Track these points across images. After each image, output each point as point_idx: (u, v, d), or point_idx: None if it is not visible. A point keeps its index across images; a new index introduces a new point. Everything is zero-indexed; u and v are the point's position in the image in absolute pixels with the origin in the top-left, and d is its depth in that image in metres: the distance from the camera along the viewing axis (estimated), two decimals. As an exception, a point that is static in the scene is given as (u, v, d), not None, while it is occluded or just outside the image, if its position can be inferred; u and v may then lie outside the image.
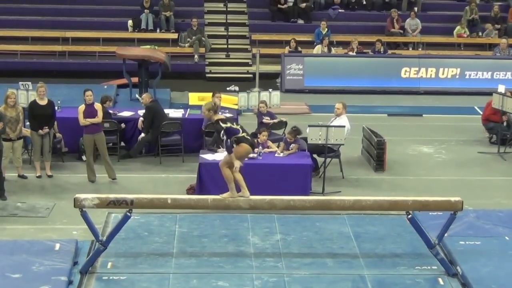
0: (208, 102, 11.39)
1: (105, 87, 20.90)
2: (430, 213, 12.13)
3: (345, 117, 15.80)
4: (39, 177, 15.23)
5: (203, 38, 25.72)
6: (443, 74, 24.38)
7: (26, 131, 15.54)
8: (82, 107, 15.20)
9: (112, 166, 15.26)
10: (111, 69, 23.44)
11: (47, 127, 15.14)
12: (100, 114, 15.22)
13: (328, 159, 15.25)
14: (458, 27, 26.87)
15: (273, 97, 19.50)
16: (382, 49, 25.12)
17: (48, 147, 15.27)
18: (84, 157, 15.81)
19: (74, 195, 10.82)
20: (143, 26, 26.41)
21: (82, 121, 15.07)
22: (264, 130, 15.24)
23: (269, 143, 15.12)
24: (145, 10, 26.42)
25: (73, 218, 12.37)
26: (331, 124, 15.47)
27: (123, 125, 16.56)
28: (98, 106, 15.39)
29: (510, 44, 25.43)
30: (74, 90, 20.26)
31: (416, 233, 11.26)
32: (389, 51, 25.78)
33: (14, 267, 10.65)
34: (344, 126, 15.22)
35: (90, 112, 15.14)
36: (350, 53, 24.86)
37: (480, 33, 27.11)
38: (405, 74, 24.35)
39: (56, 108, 15.96)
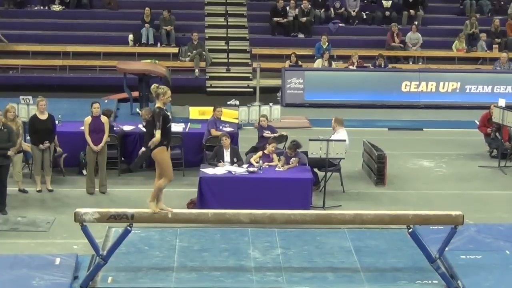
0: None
1: (106, 101, 20.93)
2: (431, 227, 12.12)
3: (342, 132, 15.80)
4: (39, 191, 15.23)
5: (203, 52, 25.77)
6: (443, 88, 24.41)
7: (27, 146, 15.55)
8: (88, 119, 15.25)
9: (105, 181, 15.29)
10: (112, 83, 23.47)
11: (47, 142, 15.15)
12: (106, 127, 15.28)
13: (329, 173, 15.26)
14: (456, 42, 26.91)
15: (274, 111, 19.52)
16: (383, 64, 25.17)
17: (49, 161, 15.27)
18: (84, 171, 15.83)
19: (74, 210, 10.82)
20: (143, 40, 26.47)
21: (87, 136, 15.12)
22: (273, 141, 15.27)
23: (274, 155, 15.14)
24: (146, 25, 26.49)
25: (73, 233, 12.36)
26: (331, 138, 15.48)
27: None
28: (104, 119, 15.44)
29: (510, 58, 25.46)
30: (75, 104, 20.34)
31: (417, 247, 11.25)
32: (390, 65, 25.82)
33: (14, 282, 10.63)
34: (344, 140, 15.25)
35: (96, 124, 15.20)
36: (351, 67, 24.90)
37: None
38: (405, 88, 24.38)
39: (57, 122, 15.98)
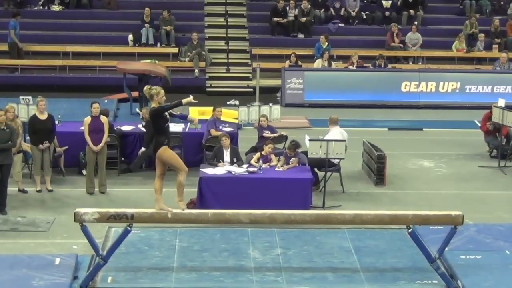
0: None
1: (106, 101, 20.92)
2: (431, 227, 12.12)
3: (334, 130, 15.83)
4: (39, 191, 15.23)
5: (203, 52, 25.75)
6: (443, 88, 24.41)
7: (27, 146, 15.55)
8: (88, 119, 15.25)
9: (105, 181, 15.29)
10: (112, 84, 23.47)
11: (47, 142, 15.14)
12: (106, 127, 15.28)
13: (329, 173, 15.25)
14: (456, 42, 26.91)
15: (274, 111, 19.52)
16: (382, 64, 25.17)
17: (48, 161, 15.28)
18: (84, 171, 15.83)
19: (74, 210, 10.81)
20: (143, 40, 26.47)
21: (86, 136, 15.12)
22: (270, 142, 15.28)
23: (272, 156, 15.12)
24: (146, 25, 26.48)
25: (73, 233, 12.36)
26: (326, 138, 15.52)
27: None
28: (104, 119, 15.44)
29: (510, 58, 25.45)
30: (74, 104, 20.32)
31: (417, 247, 11.25)
32: (389, 65, 25.82)
33: (14, 282, 10.62)
34: (344, 140, 15.27)
35: (96, 124, 15.21)
36: (350, 67, 24.90)
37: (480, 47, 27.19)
38: (405, 88, 24.38)
39: (56, 122, 15.98)
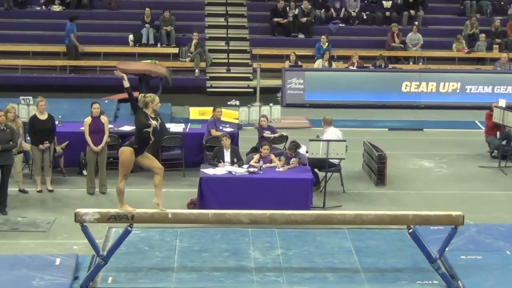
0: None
1: (106, 101, 20.91)
2: (431, 228, 12.11)
3: (329, 132, 15.84)
4: (39, 191, 15.23)
5: (200, 47, 25.68)
6: (443, 88, 24.41)
7: (27, 146, 15.56)
8: (88, 120, 15.26)
9: (106, 181, 15.29)
10: (112, 84, 23.37)
11: (47, 142, 15.15)
12: (106, 128, 15.29)
13: (329, 174, 15.25)
14: (456, 43, 26.90)
15: (274, 112, 19.52)
16: (383, 64, 25.17)
17: (49, 161, 15.29)
18: (84, 172, 15.83)
19: (74, 210, 10.81)
20: (144, 40, 26.48)
21: (87, 136, 15.13)
22: (265, 143, 15.26)
23: (272, 156, 15.12)
24: (146, 25, 26.49)
25: (73, 233, 12.36)
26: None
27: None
28: (104, 119, 15.44)
29: (510, 58, 25.45)
30: (75, 104, 20.30)
31: (417, 248, 11.24)
32: (390, 66, 25.82)
33: (14, 282, 10.62)
34: (345, 141, 15.28)
35: (96, 125, 15.22)
36: (351, 67, 24.90)
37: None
38: (405, 88, 24.38)
39: (57, 122, 15.99)
